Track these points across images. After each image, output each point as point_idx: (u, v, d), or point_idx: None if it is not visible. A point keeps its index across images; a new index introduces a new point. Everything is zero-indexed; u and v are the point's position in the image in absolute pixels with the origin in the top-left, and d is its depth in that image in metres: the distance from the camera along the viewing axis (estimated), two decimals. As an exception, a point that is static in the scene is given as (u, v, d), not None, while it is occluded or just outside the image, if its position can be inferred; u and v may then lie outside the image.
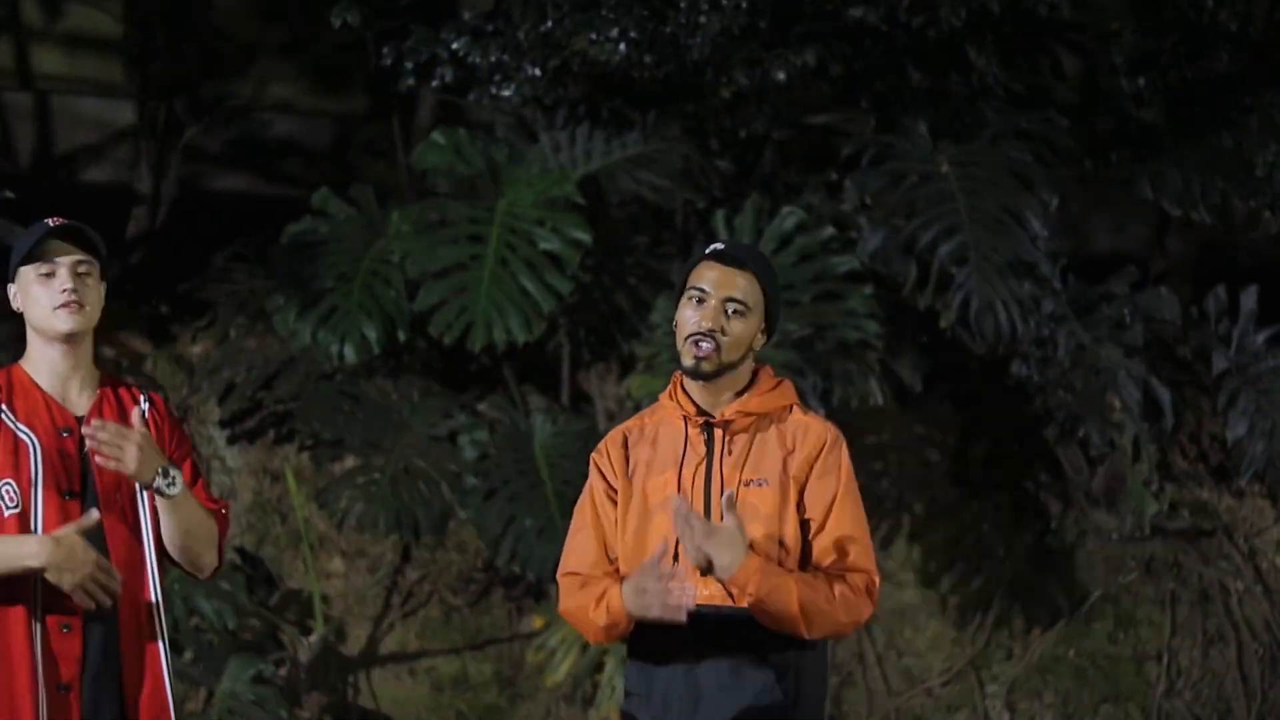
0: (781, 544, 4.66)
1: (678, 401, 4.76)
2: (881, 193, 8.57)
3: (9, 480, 4.67)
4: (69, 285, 4.72)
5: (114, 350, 8.70)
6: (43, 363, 4.78)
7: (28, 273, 4.76)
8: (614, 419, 8.48)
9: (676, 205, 8.74)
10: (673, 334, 4.79)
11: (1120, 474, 8.85)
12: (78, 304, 4.73)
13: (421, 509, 8.31)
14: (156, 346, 8.89)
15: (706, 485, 4.69)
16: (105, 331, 4.88)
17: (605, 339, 8.74)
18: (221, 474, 8.65)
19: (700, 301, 4.70)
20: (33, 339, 4.80)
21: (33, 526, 4.66)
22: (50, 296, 4.73)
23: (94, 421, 4.67)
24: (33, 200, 8.17)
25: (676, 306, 4.75)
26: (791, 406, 4.78)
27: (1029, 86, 8.85)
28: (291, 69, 9.45)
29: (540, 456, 8.45)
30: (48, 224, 4.77)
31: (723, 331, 4.68)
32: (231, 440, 8.72)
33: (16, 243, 4.82)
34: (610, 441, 4.81)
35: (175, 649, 6.73)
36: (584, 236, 8.28)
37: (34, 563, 4.59)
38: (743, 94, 8.51)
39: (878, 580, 4.71)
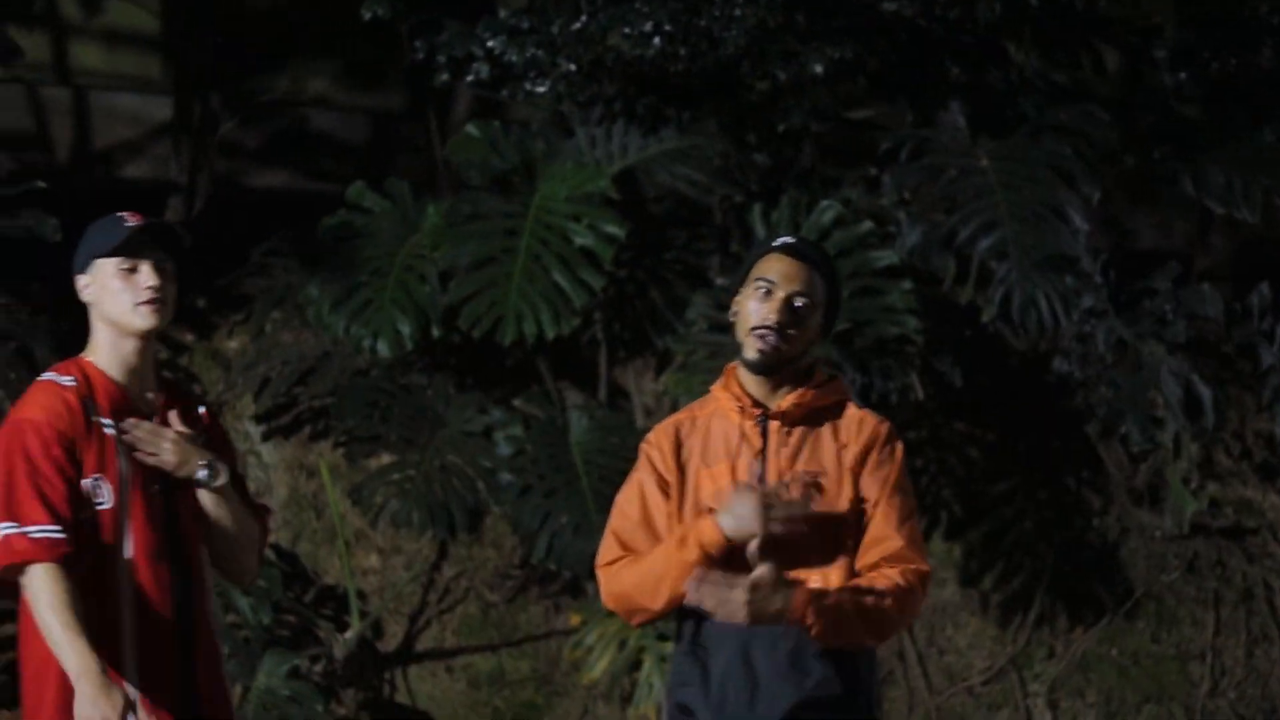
0: (837, 535, 4.64)
1: (733, 393, 4.72)
2: (920, 187, 8.52)
3: (100, 475, 4.64)
4: (154, 282, 4.68)
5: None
6: (115, 357, 4.74)
7: (107, 266, 4.71)
8: (652, 415, 8.45)
9: (713, 200, 8.70)
10: (725, 327, 4.76)
11: (1163, 471, 8.81)
12: (161, 301, 4.70)
13: (456, 505, 8.28)
14: (194, 340, 8.87)
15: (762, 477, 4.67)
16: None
17: (641, 335, 8.70)
18: (257, 469, 8.63)
19: (767, 294, 4.66)
20: (103, 333, 4.75)
21: (122, 522, 4.63)
22: (134, 293, 4.69)
23: (127, 420, 4.66)
24: (71, 195, 8.16)
25: (736, 296, 4.72)
26: (845, 402, 4.77)
27: (1069, 80, 8.80)
28: (328, 64, 9.42)
29: (576, 453, 8.42)
30: (125, 218, 4.72)
31: (788, 326, 4.64)
32: (267, 436, 8.69)
33: (91, 235, 4.76)
34: (662, 432, 4.78)
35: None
36: (618, 232, 8.24)
37: (75, 673, 4.44)
38: (779, 88, 8.47)
39: (928, 570, 4.69)
